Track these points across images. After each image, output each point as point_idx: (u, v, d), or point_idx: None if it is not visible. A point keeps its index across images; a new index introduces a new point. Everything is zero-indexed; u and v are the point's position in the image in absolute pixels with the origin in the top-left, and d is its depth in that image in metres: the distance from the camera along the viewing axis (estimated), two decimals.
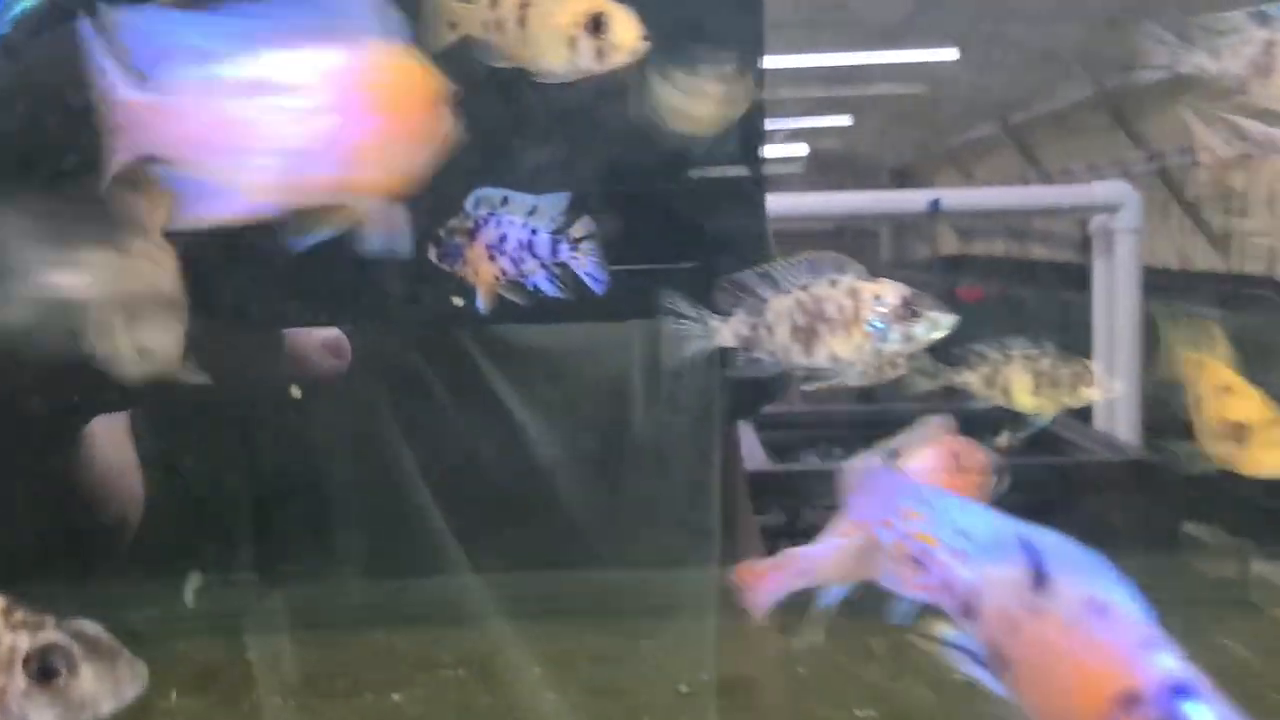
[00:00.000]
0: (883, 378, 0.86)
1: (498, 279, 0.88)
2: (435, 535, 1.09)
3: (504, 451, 1.08)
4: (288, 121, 0.56)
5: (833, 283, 0.80)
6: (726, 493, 1.21)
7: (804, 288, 0.80)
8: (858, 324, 0.79)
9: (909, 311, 0.80)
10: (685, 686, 0.97)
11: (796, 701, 1.02)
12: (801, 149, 5.44)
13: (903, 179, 7.02)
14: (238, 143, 0.56)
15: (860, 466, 0.70)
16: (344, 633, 1.04)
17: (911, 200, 2.53)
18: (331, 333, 1.10)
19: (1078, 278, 4.04)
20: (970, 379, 0.93)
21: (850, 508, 0.57)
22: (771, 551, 0.91)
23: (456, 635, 1.00)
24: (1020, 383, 0.93)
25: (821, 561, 0.80)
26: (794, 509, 2.24)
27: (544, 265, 0.88)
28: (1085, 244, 4.08)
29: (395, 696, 0.95)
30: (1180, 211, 4.01)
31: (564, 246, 0.89)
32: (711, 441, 1.13)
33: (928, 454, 0.80)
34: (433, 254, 0.86)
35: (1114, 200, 2.81)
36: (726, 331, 0.85)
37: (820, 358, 0.81)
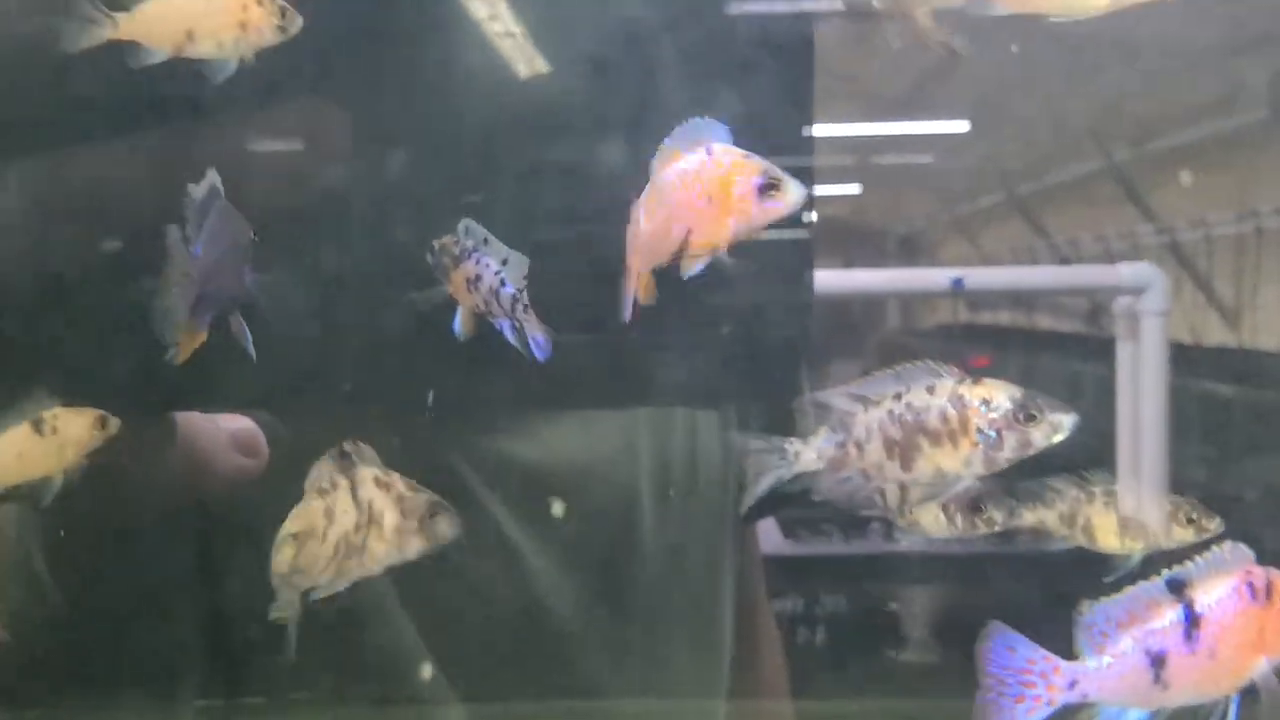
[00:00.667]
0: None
1: (476, 309, 0.86)
2: (414, 661, 1.00)
3: (499, 572, 1.01)
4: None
5: (930, 389, 0.73)
6: (741, 587, 1.14)
7: (897, 397, 0.73)
8: (966, 434, 0.72)
9: (1024, 415, 0.73)
10: None
11: None
12: (809, 216, 5.43)
13: (910, 247, 7.01)
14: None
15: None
16: None
17: (934, 278, 2.50)
18: (243, 424, 0.95)
19: (1086, 349, 4.00)
20: (1047, 516, 0.85)
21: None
22: (788, 639, 0.84)
23: None
24: (1104, 523, 0.85)
25: None
26: (813, 594, 2.16)
27: (507, 315, 0.86)
28: (1094, 316, 4.04)
29: None
30: (1193, 286, 3.99)
31: (520, 306, 0.88)
32: (724, 550, 1.07)
33: (1225, 586, 0.67)
34: (429, 258, 0.86)
35: (1140, 282, 2.76)
36: (810, 454, 0.76)
37: (922, 473, 0.73)
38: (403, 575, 0.94)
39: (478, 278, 0.83)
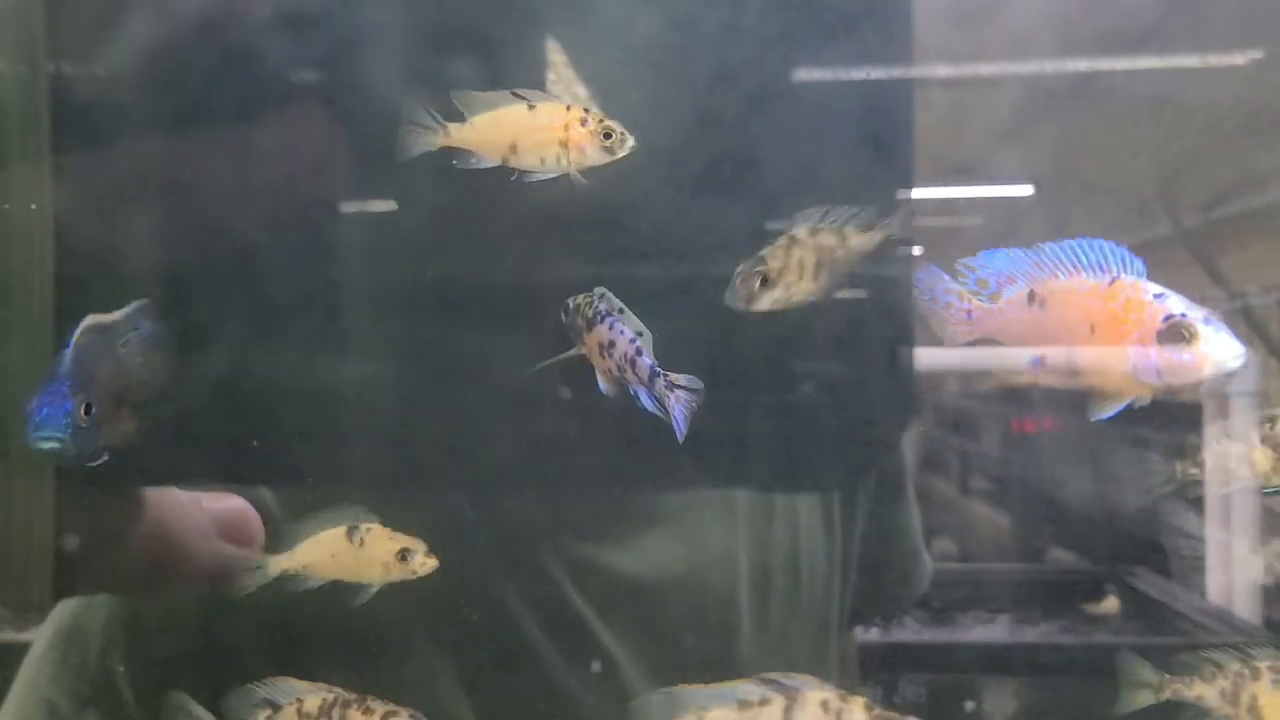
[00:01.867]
0: None
1: (608, 373, 0.85)
2: None
3: (593, 684, 0.96)
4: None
5: None
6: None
7: None
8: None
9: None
10: None
11: None
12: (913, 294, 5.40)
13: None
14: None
15: None
16: None
17: (1013, 357, 2.46)
18: (233, 504, 0.84)
19: (1158, 415, 3.90)
20: (1205, 692, 0.76)
21: None
22: None
23: None
24: (1274, 703, 0.74)
25: None
26: (891, 683, 2.10)
27: (645, 385, 0.85)
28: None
29: None
30: (1265, 351, 3.89)
31: (661, 381, 0.86)
32: (824, 650, 1.02)
33: None
34: (563, 316, 0.86)
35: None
36: None
37: None
38: (480, 686, 0.91)
39: (611, 344, 0.84)
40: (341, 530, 0.85)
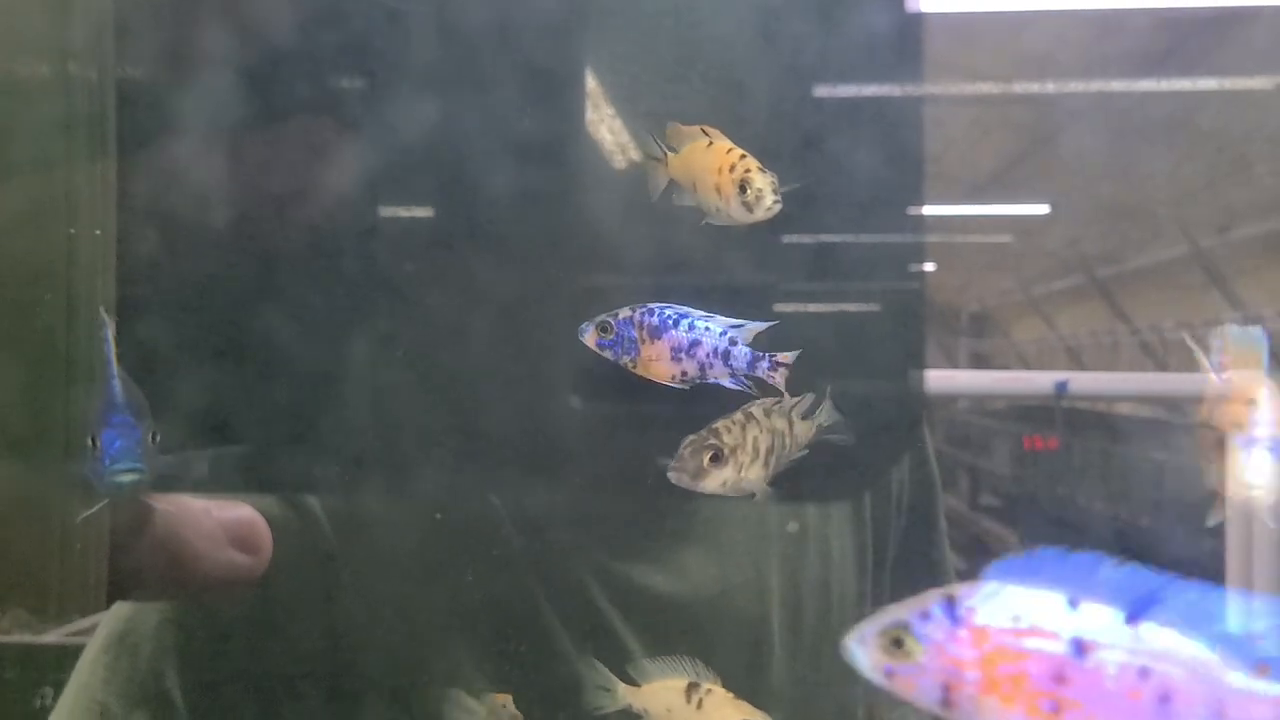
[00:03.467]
0: None
1: (674, 378, 0.83)
2: None
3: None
4: None
5: None
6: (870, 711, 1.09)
7: None
8: None
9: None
10: None
11: None
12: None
13: (980, 323, 6.95)
14: None
15: None
16: None
17: (1038, 381, 2.46)
18: (243, 513, 0.80)
19: (1167, 437, 3.89)
20: None
21: None
22: None
23: None
24: None
25: None
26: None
27: (733, 373, 0.84)
28: (1175, 403, 3.95)
29: None
30: None
31: (764, 364, 0.85)
32: (857, 687, 1.01)
33: None
34: (588, 336, 0.79)
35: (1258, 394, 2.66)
36: None
37: None
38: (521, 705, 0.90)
39: (694, 343, 0.80)
40: (681, 684, 0.84)
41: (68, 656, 1.03)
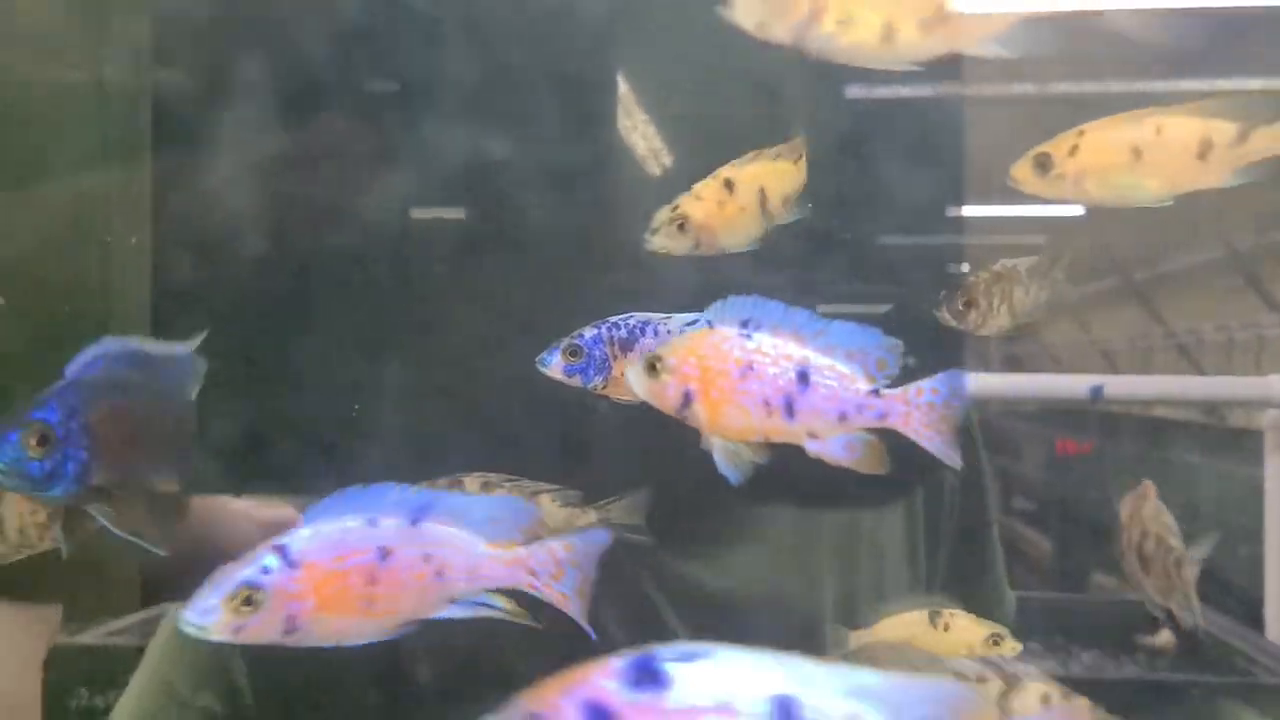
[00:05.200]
0: None
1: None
2: None
3: None
4: None
5: None
6: None
7: None
8: None
9: None
10: None
11: None
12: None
13: (1016, 326, 6.88)
14: None
15: None
16: None
17: (1073, 385, 2.45)
18: (283, 514, 0.81)
19: (1205, 441, 3.85)
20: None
21: None
22: None
23: None
24: None
25: None
26: None
27: None
28: (1213, 406, 3.89)
29: None
30: None
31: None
32: None
33: None
34: (554, 365, 0.73)
35: None
36: None
37: None
38: None
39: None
40: (922, 615, 0.86)
41: (104, 657, 1.05)
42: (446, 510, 0.51)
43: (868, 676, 0.47)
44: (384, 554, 0.52)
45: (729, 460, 0.56)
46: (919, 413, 0.53)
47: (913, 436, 0.54)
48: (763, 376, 0.50)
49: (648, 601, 0.98)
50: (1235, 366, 4.40)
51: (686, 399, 0.51)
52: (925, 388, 0.56)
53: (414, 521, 0.52)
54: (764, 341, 0.50)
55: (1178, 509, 1.06)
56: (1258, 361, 4.21)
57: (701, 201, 0.66)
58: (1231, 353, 4.45)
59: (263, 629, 0.49)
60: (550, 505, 0.81)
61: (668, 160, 0.96)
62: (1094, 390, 2.44)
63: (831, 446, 0.50)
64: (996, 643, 0.83)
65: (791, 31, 0.60)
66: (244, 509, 0.84)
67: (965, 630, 0.83)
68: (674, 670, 0.45)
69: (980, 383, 2.35)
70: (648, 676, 0.44)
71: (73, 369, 0.63)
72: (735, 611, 0.97)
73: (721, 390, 0.51)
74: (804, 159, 0.73)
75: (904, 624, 0.83)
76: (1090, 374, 3.47)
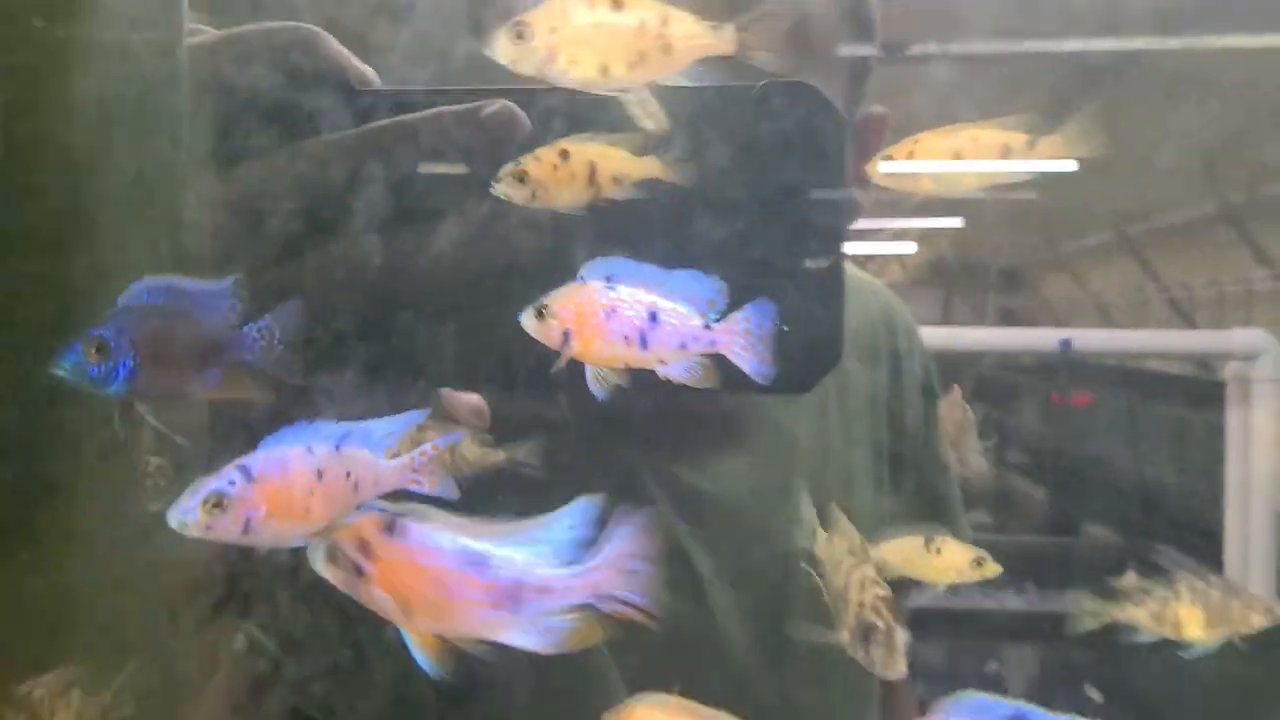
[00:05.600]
0: None
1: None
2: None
3: (688, 598, 1.01)
4: None
5: None
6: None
7: None
8: None
9: None
10: None
11: None
12: (909, 248, 5.44)
13: (1010, 279, 6.94)
14: None
15: None
16: None
17: (1042, 338, 2.51)
18: (473, 399, 0.96)
19: (1196, 394, 3.91)
20: (1138, 615, 0.91)
21: None
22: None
23: None
24: (1192, 617, 0.92)
25: None
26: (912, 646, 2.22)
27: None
28: (1205, 360, 3.96)
29: None
30: None
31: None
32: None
33: None
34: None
35: (1253, 348, 2.71)
36: None
37: None
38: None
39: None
40: (919, 540, 0.97)
41: None
42: (359, 435, 0.68)
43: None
44: (319, 474, 0.67)
45: (598, 381, 0.72)
46: (738, 339, 0.71)
47: (734, 359, 0.71)
48: (622, 318, 0.72)
49: (650, 497, 1.06)
50: (1227, 320, 4.46)
51: (566, 337, 0.72)
52: (739, 318, 0.72)
53: (338, 447, 0.67)
54: (623, 290, 0.72)
55: (1166, 459, 1.12)
56: (1248, 315, 4.27)
57: (540, 162, 0.80)
58: (1223, 306, 4.51)
59: (227, 529, 0.64)
60: (470, 444, 0.95)
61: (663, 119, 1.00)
62: (1063, 344, 2.51)
63: (676, 370, 0.71)
64: (980, 564, 0.92)
65: (535, 68, 0.76)
66: (462, 397, 0.95)
67: (954, 554, 0.93)
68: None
69: (951, 336, 2.42)
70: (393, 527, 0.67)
71: (123, 299, 0.80)
72: (725, 508, 1.06)
73: (592, 329, 0.72)
74: (648, 153, 0.84)
75: (902, 547, 0.93)
76: (1081, 328, 3.53)
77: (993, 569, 0.90)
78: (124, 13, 0.92)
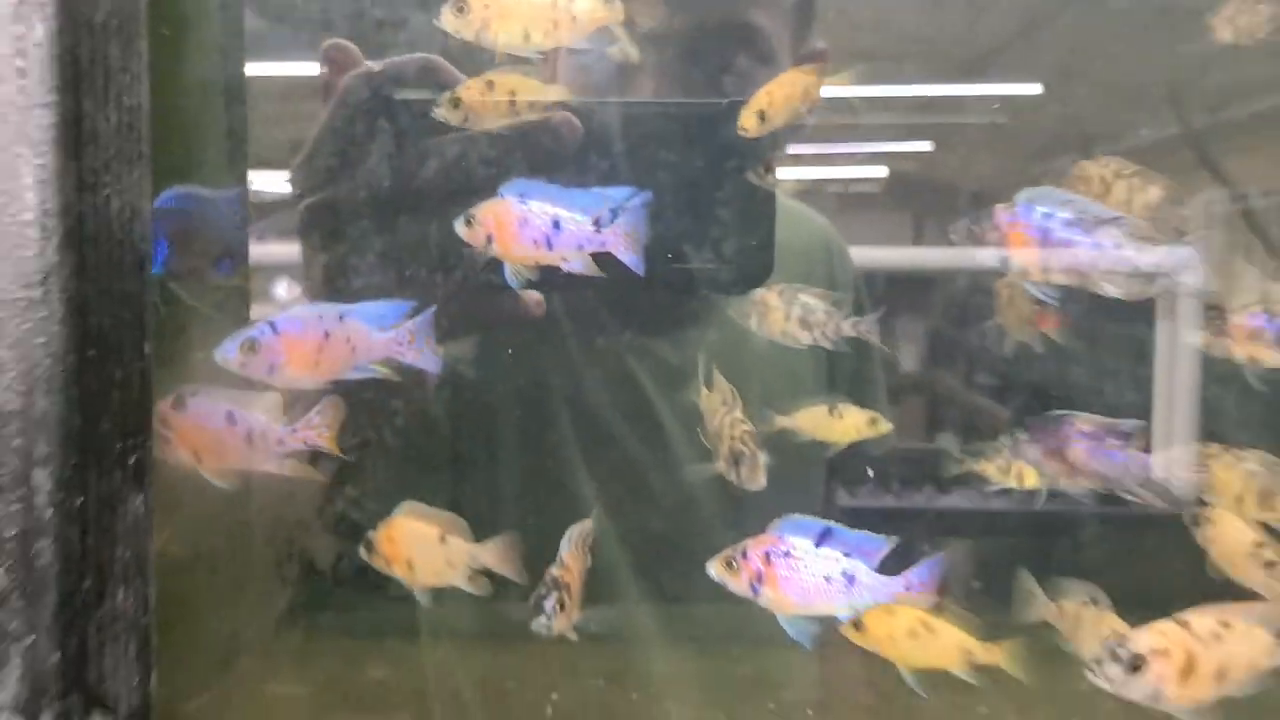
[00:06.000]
0: None
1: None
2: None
3: (660, 455, 1.12)
4: None
5: None
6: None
7: None
8: None
9: None
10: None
11: None
12: (881, 170, 5.50)
13: (981, 202, 7.00)
14: None
15: None
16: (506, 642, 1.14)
17: (984, 258, 2.60)
18: (536, 295, 1.07)
19: (1126, 306, 4.01)
20: (988, 468, 1.06)
21: None
22: None
23: (598, 652, 1.10)
24: (1030, 471, 1.06)
25: None
26: None
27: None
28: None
29: (554, 695, 1.10)
30: (1264, 253, 3.96)
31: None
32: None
33: None
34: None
35: (1178, 264, 2.80)
36: None
37: None
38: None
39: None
40: (824, 408, 1.09)
41: None
42: (359, 313, 0.84)
43: None
44: (326, 336, 0.84)
45: (514, 275, 0.89)
46: (621, 240, 0.88)
47: (619, 255, 0.88)
48: (533, 225, 0.89)
49: (629, 370, 1.20)
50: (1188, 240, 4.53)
51: (489, 240, 0.89)
52: (620, 224, 0.88)
53: (341, 318, 0.85)
54: (533, 204, 0.88)
55: (1129, 381, 1.22)
56: (1207, 235, 4.35)
57: (471, 90, 0.96)
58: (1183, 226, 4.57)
59: (257, 368, 0.82)
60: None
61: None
62: (1004, 263, 2.59)
63: (575, 265, 0.89)
64: (874, 423, 1.04)
65: (473, 35, 0.91)
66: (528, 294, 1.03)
67: (853, 416, 1.05)
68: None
69: (897, 256, 2.49)
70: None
71: (158, 201, 0.93)
72: (684, 375, 1.18)
73: (508, 234, 0.89)
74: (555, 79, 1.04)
75: (813, 415, 1.06)
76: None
77: (885, 427, 1.02)
78: None
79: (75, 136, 0.43)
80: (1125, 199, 0.95)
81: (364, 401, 1.02)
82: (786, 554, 0.78)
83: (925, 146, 5.21)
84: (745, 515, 1.06)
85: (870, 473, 1.10)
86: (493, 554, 0.93)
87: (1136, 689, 0.71)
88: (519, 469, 1.19)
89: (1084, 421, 0.90)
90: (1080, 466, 0.86)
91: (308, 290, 0.96)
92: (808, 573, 0.77)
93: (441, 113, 0.91)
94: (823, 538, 0.79)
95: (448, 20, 0.89)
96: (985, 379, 4.80)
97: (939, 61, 3.11)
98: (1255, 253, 4.14)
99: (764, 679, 1.09)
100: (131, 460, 0.45)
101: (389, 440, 1.08)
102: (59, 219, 0.43)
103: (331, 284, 0.91)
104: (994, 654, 0.81)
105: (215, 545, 0.98)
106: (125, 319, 0.46)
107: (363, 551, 0.94)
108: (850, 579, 0.72)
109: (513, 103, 0.95)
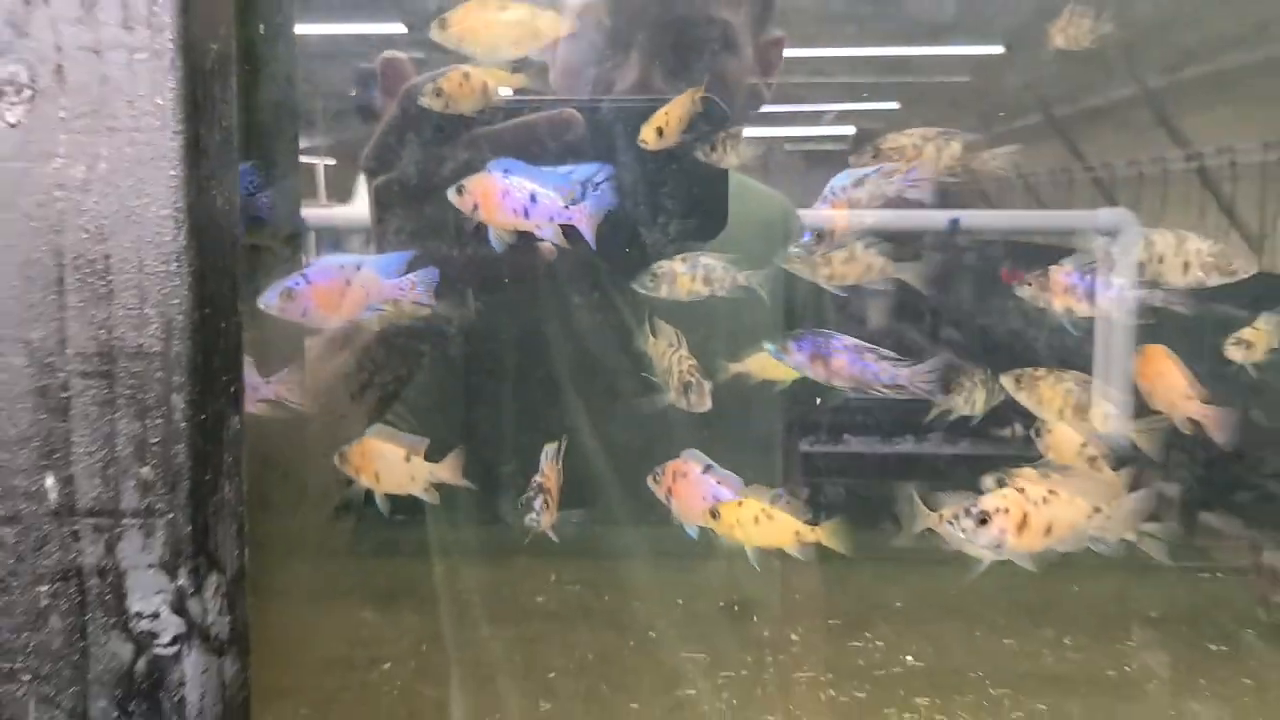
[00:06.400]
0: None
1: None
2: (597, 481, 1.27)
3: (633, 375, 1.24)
4: None
5: None
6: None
7: None
8: None
9: None
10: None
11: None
12: (849, 129, 5.56)
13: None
14: None
15: None
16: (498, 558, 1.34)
17: (931, 218, 2.71)
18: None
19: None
20: (955, 401, 1.17)
21: None
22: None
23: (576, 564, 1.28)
24: (980, 400, 1.17)
25: None
26: (817, 486, 2.47)
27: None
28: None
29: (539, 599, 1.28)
30: (1217, 211, 4.09)
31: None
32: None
33: None
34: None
35: (1115, 225, 2.94)
36: None
37: None
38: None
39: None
40: (768, 354, 1.19)
41: None
42: (372, 263, 0.99)
43: None
44: (346, 283, 0.99)
45: (496, 238, 1.03)
46: (584, 218, 1.02)
47: (581, 230, 1.02)
48: (513, 197, 1.02)
49: (605, 289, 1.33)
50: (1145, 197, 4.68)
51: (475, 207, 1.02)
52: (585, 204, 1.03)
53: (358, 268, 0.99)
54: (514, 180, 1.02)
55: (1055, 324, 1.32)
56: (1163, 194, 4.48)
57: (450, 81, 1.11)
58: (1141, 186, 4.71)
59: (293, 312, 0.97)
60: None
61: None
62: (951, 223, 2.70)
63: (546, 233, 1.03)
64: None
65: (454, 45, 1.08)
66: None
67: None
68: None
69: (846, 216, 2.58)
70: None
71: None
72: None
73: (493, 203, 1.03)
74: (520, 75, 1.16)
75: (760, 359, 1.17)
76: (1001, 209, 3.72)
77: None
78: None
79: (194, 153, 0.64)
80: (935, 156, 1.08)
81: (397, 346, 1.18)
82: (685, 474, 1.06)
83: (892, 106, 5.30)
84: (710, 442, 1.19)
85: (819, 400, 1.23)
86: (445, 469, 1.08)
87: (984, 538, 0.89)
88: (519, 397, 1.35)
89: (847, 339, 1.05)
90: (838, 371, 1.04)
91: (379, 250, 1.12)
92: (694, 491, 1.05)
93: (425, 101, 1.07)
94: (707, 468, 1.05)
95: (434, 32, 1.07)
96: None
97: (904, 23, 3.18)
98: (1209, 208, 4.27)
99: (715, 584, 1.28)
100: (232, 389, 0.65)
101: (418, 376, 1.23)
102: (186, 214, 0.64)
103: (397, 244, 1.08)
104: (818, 534, 0.99)
105: (287, 455, 1.14)
106: (225, 285, 0.67)
107: (336, 460, 1.08)
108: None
109: (485, 91, 1.11)
